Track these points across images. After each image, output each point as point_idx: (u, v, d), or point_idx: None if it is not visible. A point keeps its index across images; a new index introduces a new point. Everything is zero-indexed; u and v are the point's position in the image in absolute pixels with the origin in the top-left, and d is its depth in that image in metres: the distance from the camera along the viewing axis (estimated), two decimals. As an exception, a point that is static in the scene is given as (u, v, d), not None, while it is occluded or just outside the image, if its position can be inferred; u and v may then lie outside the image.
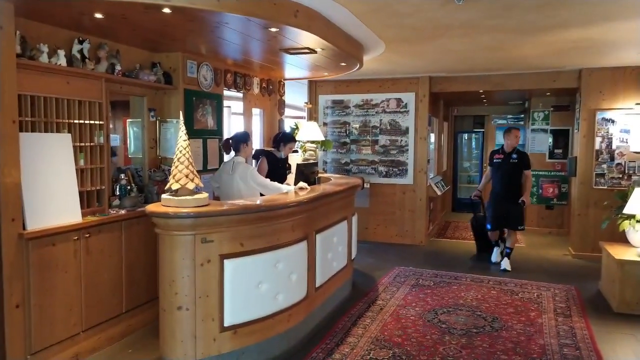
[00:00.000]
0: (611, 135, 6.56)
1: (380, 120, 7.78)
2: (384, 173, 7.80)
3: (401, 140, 7.67)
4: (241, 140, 4.50)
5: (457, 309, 4.71)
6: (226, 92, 5.53)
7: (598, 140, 6.62)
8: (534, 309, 4.74)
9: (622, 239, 5.18)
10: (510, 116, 10.99)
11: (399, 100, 7.65)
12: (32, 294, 3.17)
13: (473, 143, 12.28)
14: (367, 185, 7.65)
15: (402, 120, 7.64)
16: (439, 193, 8.33)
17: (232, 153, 4.57)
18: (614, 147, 6.56)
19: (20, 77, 3.10)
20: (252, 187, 4.31)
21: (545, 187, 8.67)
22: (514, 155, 6.10)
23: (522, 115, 10.47)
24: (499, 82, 7.25)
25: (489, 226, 6.34)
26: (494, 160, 6.25)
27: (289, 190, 4.33)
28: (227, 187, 4.40)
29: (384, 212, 7.79)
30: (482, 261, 6.63)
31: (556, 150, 8.63)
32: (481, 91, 7.72)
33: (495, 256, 6.50)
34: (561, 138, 8.53)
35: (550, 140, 8.63)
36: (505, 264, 6.15)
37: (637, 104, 6.30)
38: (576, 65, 6.54)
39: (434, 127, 8.66)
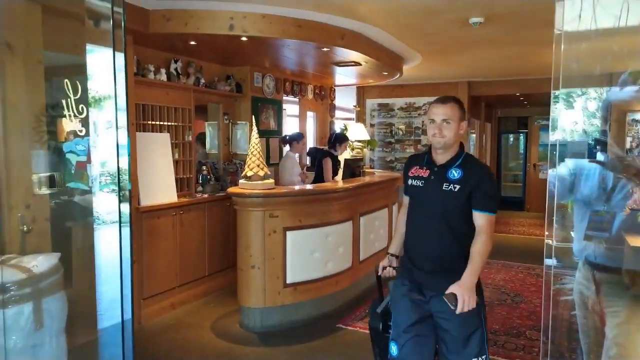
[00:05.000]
0: (642, 134, 6.95)
1: (423, 121, 8.49)
2: (426, 170, 8.49)
3: (442, 140, 8.34)
4: (293, 139, 5.58)
5: (485, 287, 5.37)
6: (284, 98, 6.47)
7: (629, 139, 7.02)
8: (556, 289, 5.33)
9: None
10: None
11: (440, 103, 8.32)
12: (144, 254, 4.20)
13: (519, 143, 12.68)
14: (410, 181, 8.35)
15: (443, 121, 8.31)
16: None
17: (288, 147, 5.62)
18: (644, 145, 6.95)
19: (135, 90, 4.14)
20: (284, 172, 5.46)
21: (583, 185, 9.02)
22: (454, 172, 2.29)
23: (565, 116, 10.80)
24: (533, 85, 7.79)
25: (394, 347, 2.29)
26: (409, 181, 2.43)
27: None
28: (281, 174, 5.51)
29: (425, 205, 8.46)
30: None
31: (594, 150, 8.95)
32: (518, 94, 8.26)
33: None
34: (600, 138, 8.84)
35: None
36: None
37: (668, 104, 6.66)
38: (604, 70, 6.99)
39: (475, 128, 9.25)
